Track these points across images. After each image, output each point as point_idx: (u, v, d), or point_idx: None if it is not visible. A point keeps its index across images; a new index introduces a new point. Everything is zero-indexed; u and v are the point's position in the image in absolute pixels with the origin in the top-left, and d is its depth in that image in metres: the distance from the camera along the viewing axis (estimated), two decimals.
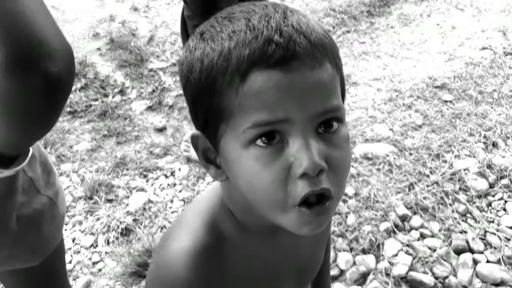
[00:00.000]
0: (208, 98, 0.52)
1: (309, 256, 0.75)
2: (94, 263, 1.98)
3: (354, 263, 1.91)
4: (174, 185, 2.30)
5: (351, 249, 1.95)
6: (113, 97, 2.91)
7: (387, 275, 1.86)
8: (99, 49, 3.39)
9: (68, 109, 2.80)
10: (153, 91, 2.94)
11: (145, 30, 3.59)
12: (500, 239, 2.00)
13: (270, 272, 0.66)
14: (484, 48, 3.33)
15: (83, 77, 3.07)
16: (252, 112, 0.49)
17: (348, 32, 3.66)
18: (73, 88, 2.95)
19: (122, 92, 2.97)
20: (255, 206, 0.55)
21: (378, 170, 2.32)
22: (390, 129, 2.56)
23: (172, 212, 2.15)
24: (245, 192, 0.54)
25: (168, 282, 0.57)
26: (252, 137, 0.50)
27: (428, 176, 2.27)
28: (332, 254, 1.92)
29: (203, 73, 0.52)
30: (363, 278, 1.85)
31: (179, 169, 2.38)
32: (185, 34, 2.10)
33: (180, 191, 2.26)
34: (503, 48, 3.30)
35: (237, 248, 0.61)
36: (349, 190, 2.21)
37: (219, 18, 0.54)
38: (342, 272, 1.88)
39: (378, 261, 1.91)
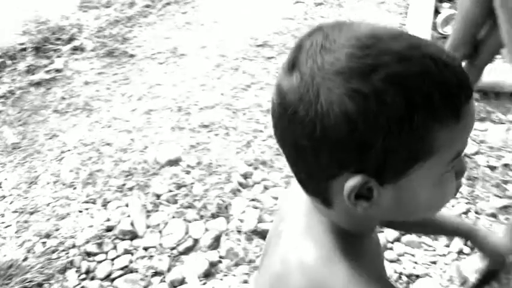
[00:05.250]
0: (420, 137, 0.51)
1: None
2: None
3: (206, 230, 1.94)
4: (4, 197, 2.09)
5: (201, 217, 1.98)
6: None
7: (239, 232, 1.94)
8: None
9: None
10: None
11: None
12: None
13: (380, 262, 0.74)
14: (297, 2, 3.54)
15: None
16: (458, 143, 0.54)
17: (169, 4, 3.62)
18: None
19: None
20: (414, 215, 0.61)
21: (216, 135, 2.37)
22: (221, 94, 2.61)
23: (6, 227, 1.96)
24: (414, 209, 0.59)
25: None
26: (452, 165, 0.56)
27: (262, 131, 2.38)
28: (183, 226, 1.94)
29: (431, 113, 0.50)
30: (217, 241, 1.90)
31: (5, 179, 2.16)
32: None
33: (11, 203, 2.06)
34: None
35: (364, 251, 0.65)
36: (192, 160, 2.22)
37: (390, 62, 0.50)
38: (196, 241, 1.90)
39: (228, 222, 1.97)
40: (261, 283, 0.73)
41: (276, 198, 2.08)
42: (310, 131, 0.51)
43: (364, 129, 0.49)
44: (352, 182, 0.53)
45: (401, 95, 0.49)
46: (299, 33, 3.16)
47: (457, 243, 1.86)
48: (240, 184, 2.12)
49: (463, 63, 2.04)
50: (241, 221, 1.97)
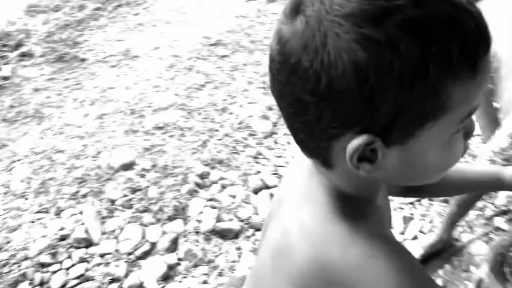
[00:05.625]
0: (434, 92, 0.47)
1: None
2: None
3: (164, 233, 1.92)
4: None
5: (158, 220, 1.96)
6: None
7: (197, 233, 1.92)
8: None
9: None
10: None
11: None
12: None
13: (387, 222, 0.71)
14: (249, 0, 3.54)
15: None
16: (472, 100, 0.50)
17: (120, 6, 3.56)
18: None
19: None
20: (419, 179, 0.57)
21: (171, 136, 2.35)
22: (176, 95, 2.59)
23: None
24: (421, 172, 0.55)
25: (398, 261, 0.53)
26: (463, 125, 0.51)
27: (218, 130, 2.37)
28: (140, 230, 1.91)
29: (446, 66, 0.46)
30: (174, 244, 1.88)
31: None
32: None
33: None
34: None
35: (366, 215, 0.61)
36: (146, 163, 2.19)
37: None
38: (153, 245, 1.87)
39: (186, 224, 1.95)
40: (260, 262, 0.68)
41: (234, 197, 2.07)
42: (313, 84, 0.47)
43: (375, 81, 0.45)
44: (356, 142, 0.49)
45: (417, 44, 0.45)
46: (252, 31, 3.17)
47: (412, 229, 1.91)
48: (197, 184, 2.11)
49: None
50: (199, 221, 1.96)
